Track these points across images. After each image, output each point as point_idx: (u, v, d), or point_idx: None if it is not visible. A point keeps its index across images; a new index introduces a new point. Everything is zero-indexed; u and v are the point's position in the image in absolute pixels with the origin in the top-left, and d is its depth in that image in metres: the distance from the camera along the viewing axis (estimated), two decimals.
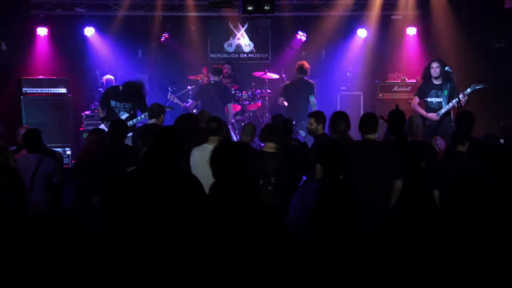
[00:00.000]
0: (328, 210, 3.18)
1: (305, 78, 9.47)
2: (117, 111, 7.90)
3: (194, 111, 9.30)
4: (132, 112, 7.88)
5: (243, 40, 11.97)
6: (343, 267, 3.05)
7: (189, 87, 10.44)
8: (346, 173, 4.70)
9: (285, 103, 9.53)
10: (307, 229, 3.24)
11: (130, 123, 7.74)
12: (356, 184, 3.44)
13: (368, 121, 5.17)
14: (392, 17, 11.32)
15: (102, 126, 7.85)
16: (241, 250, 2.82)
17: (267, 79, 10.70)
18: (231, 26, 11.87)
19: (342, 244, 3.09)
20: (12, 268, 2.62)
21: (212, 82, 9.26)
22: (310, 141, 6.75)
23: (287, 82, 9.97)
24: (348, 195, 3.23)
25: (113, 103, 7.92)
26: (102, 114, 8.04)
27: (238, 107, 10.17)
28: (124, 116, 7.82)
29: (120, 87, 7.93)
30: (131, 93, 7.76)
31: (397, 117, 5.06)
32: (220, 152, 3.04)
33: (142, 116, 7.83)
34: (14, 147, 6.53)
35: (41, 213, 5.18)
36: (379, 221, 4.39)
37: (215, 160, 3.03)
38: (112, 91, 8.14)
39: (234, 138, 8.85)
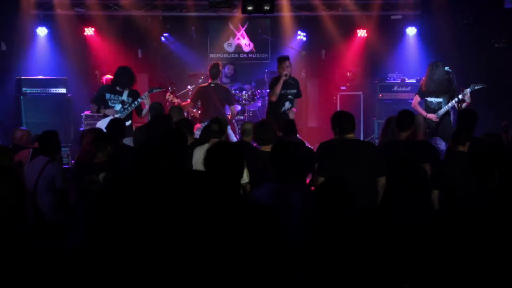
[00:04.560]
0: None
1: None
2: (111, 104, 8.01)
3: (194, 110, 9.30)
4: (126, 106, 7.97)
5: (243, 40, 11.97)
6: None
7: (189, 86, 10.43)
8: (330, 172, 4.70)
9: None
10: None
11: (125, 113, 7.91)
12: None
13: (346, 120, 5.16)
14: (392, 17, 11.32)
15: (100, 123, 7.87)
16: (232, 252, 2.80)
17: (267, 79, 10.71)
18: (231, 26, 11.87)
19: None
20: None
21: (212, 84, 9.19)
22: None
23: None
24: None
25: (107, 95, 8.04)
26: (94, 108, 8.27)
27: (238, 107, 10.16)
28: (118, 107, 7.97)
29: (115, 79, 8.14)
30: (125, 79, 8.00)
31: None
32: (214, 153, 3.03)
33: (136, 103, 7.94)
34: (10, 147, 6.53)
35: (44, 215, 5.18)
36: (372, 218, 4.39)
37: (208, 161, 3.02)
38: (105, 87, 8.39)
39: (234, 138, 8.85)
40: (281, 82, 8.20)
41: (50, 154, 5.53)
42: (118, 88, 8.04)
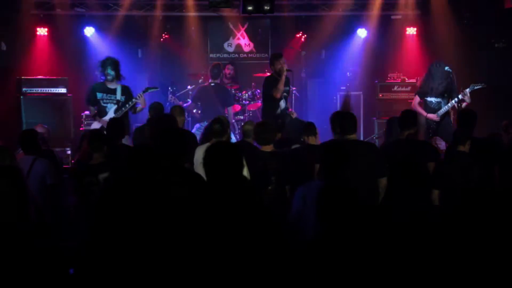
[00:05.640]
0: (329, 209, 3.17)
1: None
2: (104, 104, 7.81)
3: (194, 111, 9.30)
4: (120, 104, 7.80)
5: (243, 40, 11.97)
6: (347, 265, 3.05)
7: (189, 87, 10.43)
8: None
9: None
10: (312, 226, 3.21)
11: (119, 113, 7.72)
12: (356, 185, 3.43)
13: (347, 121, 5.14)
14: (392, 17, 11.31)
15: (94, 125, 7.82)
16: (231, 251, 2.80)
17: None
18: (231, 26, 11.88)
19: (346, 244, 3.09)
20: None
21: (212, 84, 9.18)
22: None
23: None
24: (349, 195, 3.22)
25: (99, 95, 7.82)
26: (93, 112, 7.97)
27: (238, 107, 10.16)
28: (112, 108, 7.78)
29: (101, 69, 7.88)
30: (112, 64, 7.78)
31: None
32: (212, 152, 3.02)
33: (130, 103, 7.76)
34: None
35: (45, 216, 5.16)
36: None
37: (207, 161, 3.01)
38: (96, 85, 8.05)
39: (234, 138, 8.85)
40: (283, 78, 7.93)
41: (34, 153, 5.45)
42: (109, 86, 7.83)
